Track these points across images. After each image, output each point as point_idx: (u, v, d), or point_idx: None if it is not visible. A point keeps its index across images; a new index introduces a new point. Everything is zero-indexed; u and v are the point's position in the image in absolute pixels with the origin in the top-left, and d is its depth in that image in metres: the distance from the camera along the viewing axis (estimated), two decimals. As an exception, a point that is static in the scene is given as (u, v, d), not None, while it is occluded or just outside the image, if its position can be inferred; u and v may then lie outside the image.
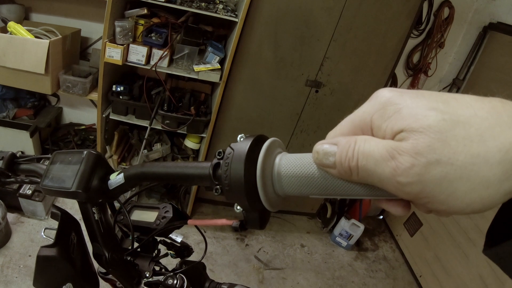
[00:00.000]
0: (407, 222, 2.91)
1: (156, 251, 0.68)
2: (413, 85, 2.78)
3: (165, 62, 2.02)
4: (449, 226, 2.46)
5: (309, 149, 0.32)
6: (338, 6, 1.93)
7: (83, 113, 2.73)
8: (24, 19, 2.23)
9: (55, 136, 2.61)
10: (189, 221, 0.57)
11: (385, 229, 3.18)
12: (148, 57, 1.99)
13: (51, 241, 0.57)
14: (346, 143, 0.29)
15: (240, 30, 1.87)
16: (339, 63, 2.11)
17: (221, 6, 1.92)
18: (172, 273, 0.62)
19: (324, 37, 2.02)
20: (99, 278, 0.68)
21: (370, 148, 0.28)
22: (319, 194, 0.34)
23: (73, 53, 2.27)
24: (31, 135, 2.29)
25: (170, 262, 0.67)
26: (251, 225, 0.43)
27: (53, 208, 0.61)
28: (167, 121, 2.14)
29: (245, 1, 1.78)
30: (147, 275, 0.62)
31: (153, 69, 1.98)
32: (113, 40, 1.90)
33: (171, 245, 0.69)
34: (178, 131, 2.18)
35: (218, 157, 0.42)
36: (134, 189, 0.63)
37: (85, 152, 0.57)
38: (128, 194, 1.78)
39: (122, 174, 0.55)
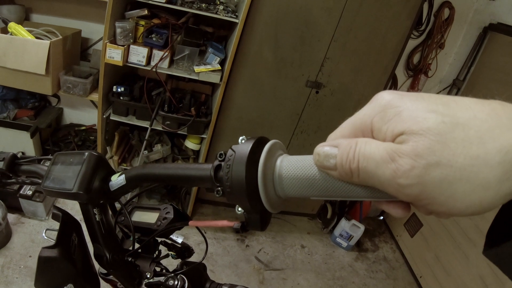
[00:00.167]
0: (407, 223, 2.91)
1: (157, 252, 0.68)
2: (413, 86, 2.78)
3: (166, 63, 2.02)
4: (449, 226, 2.46)
5: (309, 150, 0.32)
6: (339, 6, 1.93)
7: (83, 113, 2.73)
8: (24, 20, 2.23)
9: (55, 137, 2.61)
10: (190, 223, 0.57)
11: (386, 230, 3.18)
12: (149, 58, 1.99)
13: (52, 242, 0.57)
14: (347, 145, 0.30)
15: (240, 31, 1.87)
16: (339, 64, 2.12)
17: (221, 7, 1.92)
18: (173, 274, 0.62)
19: (324, 38, 2.02)
20: (100, 279, 0.68)
21: (370, 150, 0.28)
22: (320, 195, 0.34)
23: (73, 53, 2.27)
24: (32, 136, 2.29)
25: (171, 263, 0.67)
26: (252, 227, 0.43)
27: (54, 209, 0.61)
28: (168, 122, 2.14)
29: (246, 2, 1.78)
30: (148, 276, 0.62)
31: (154, 70, 1.98)
32: (113, 41, 1.90)
33: (172, 246, 0.69)
34: (179, 132, 2.18)
35: (219, 158, 0.42)
36: (134, 190, 0.63)
37: (87, 153, 0.57)
38: (128, 195, 1.78)
39: (123, 176, 0.55)
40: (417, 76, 2.73)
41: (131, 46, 1.93)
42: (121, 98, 2.11)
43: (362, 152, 0.28)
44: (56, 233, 0.58)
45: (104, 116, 2.15)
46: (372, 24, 2.01)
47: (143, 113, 2.17)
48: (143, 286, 0.63)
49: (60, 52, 2.05)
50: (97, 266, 0.64)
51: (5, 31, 1.99)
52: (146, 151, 2.30)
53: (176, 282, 0.60)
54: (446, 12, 2.50)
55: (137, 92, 2.14)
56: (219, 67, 2.02)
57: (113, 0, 1.75)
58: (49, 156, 0.63)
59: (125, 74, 2.32)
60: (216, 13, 1.87)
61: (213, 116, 2.16)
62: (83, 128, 2.70)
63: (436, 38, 2.56)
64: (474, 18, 2.57)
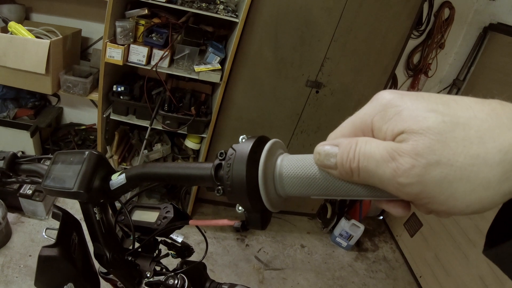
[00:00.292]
0: (407, 222, 2.91)
1: (157, 251, 0.68)
2: (413, 86, 2.78)
3: (166, 62, 2.02)
4: (449, 226, 2.46)
5: (309, 150, 0.32)
6: (339, 6, 1.93)
7: (83, 113, 2.73)
8: (24, 19, 2.23)
9: (55, 136, 2.61)
10: (191, 222, 0.57)
11: (385, 229, 3.18)
12: (149, 57, 1.99)
13: (52, 241, 0.57)
14: (347, 144, 0.30)
15: (240, 30, 1.87)
16: (339, 64, 2.12)
17: (221, 7, 1.92)
18: (173, 273, 0.62)
19: (324, 38, 2.02)
20: (100, 278, 0.68)
21: (371, 150, 0.28)
22: (320, 194, 0.34)
23: (73, 53, 2.27)
24: (32, 135, 2.29)
25: (171, 262, 0.67)
26: (252, 226, 0.43)
27: (54, 208, 0.61)
28: (168, 121, 2.14)
29: (246, 2, 1.78)
30: (148, 275, 0.62)
31: (154, 69, 1.98)
32: (113, 40, 1.90)
33: (172, 245, 0.69)
34: (179, 131, 2.19)
35: (220, 158, 0.42)
36: (134, 189, 0.63)
37: (87, 152, 0.57)
38: (128, 195, 1.79)
39: (123, 175, 0.55)
40: (417, 76, 2.73)
41: (131, 45, 1.93)
42: (121, 97, 2.11)
43: (362, 151, 0.28)
44: (56, 232, 0.58)
45: (104, 116, 2.15)
46: (372, 24, 2.01)
47: (143, 112, 2.17)
48: (143, 285, 0.63)
49: (60, 52, 2.05)
50: (97, 265, 0.64)
51: (5, 30, 1.99)
52: (146, 151, 2.30)
53: (176, 281, 0.60)
54: (446, 12, 2.50)
55: (137, 91, 2.15)
56: (219, 66, 2.02)
57: (113, -1, 1.75)
58: (49, 155, 0.63)
59: (125, 73, 2.32)
60: (216, 13, 1.87)
61: (213, 116, 2.16)
62: (83, 127, 2.70)
63: (436, 38, 2.56)
64: (474, 18, 2.57)
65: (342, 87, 2.21)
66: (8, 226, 2.08)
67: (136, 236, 0.65)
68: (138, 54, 1.95)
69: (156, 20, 2.03)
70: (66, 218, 0.60)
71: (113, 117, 2.17)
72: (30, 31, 1.97)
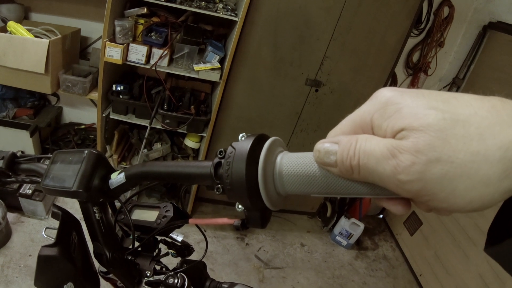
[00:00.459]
0: (407, 221, 2.91)
1: (156, 250, 0.68)
2: (413, 84, 2.78)
3: (165, 61, 2.02)
4: (449, 225, 2.46)
5: (309, 148, 0.32)
6: (338, 5, 1.93)
7: (83, 112, 2.73)
8: (23, 19, 2.23)
9: (55, 136, 2.61)
10: (190, 220, 0.57)
11: (385, 228, 3.18)
12: (148, 56, 1.99)
13: (52, 241, 0.57)
14: (348, 141, 0.30)
15: (240, 29, 1.87)
16: (338, 63, 2.11)
17: (221, 6, 1.92)
18: (173, 272, 0.62)
19: (323, 37, 2.02)
20: (100, 278, 0.68)
21: (371, 147, 0.28)
22: (320, 192, 0.34)
23: (73, 52, 2.27)
24: (31, 135, 2.29)
25: (171, 261, 0.67)
26: (252, 224, 0.43)
27: (54, 207, 0.61)
28: (167, 121, 2.14)
29: (245, 1, 1.78)
30: (148, 274, 0.62)
31: (153, 68, 1.98)
32: (113, 39, 1.90)
33: (171, 244, 0.69)
34: (178, 130, 2.18)
35: (219, 156, 0.42)
36: (134, 188, 0.63)
37: (86, 151, 0.57)
38: (128, 194, 1.78)
39: (123, 174, 0.55)
40: (416, 75, 2.73)
41: (131, 44, 1.92)
42: (121, 96, 2.11)
43: (362, 149, 0.28)
44: (56, 231, 0.58)
45: (104, 115, 2.15)
46: (371, 23, 2.01)
47: (142, 111, 2.17)
48: (143, 284, 0.62)
49: (60, 51, 2.05)
50: (97, 264, 0.64)
51: (4, 30, 1.99)
52: (145, 150, 2.30)
53: (176, 281, 0.60)
54: (446, 10, 2.50)
55: (137, 90, 2.14)
56: (218, 65, 2.02)
57: (112, -2, 1.75)
58: (49, 155, 0.63)
59: (124, 72, 2.31)
60: (215, 12, 1.87)
61: (212, 115, 2.16)
62: (83, 127, 2.70)
63: (436, 36, 2.56)
64: (474, 17, 2.57)
65: (342, 86, 2.21)
66: (8, 226, 2.08)
67: (136, 235, 0.65)
68: (138, 53, 1.94)
69: (155, 19, 2.03)
70: (65, 218, 0.60)
71: (113, 116, 2.16)
72: (29, 30, 1.97)
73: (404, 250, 2.90)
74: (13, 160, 0.69)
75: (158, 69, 2.00)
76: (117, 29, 1.85)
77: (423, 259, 2.63)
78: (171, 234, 0.68)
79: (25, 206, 2.20)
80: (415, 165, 0.25)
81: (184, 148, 2.47)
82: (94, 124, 2.71)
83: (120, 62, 1.91)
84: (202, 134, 2.25)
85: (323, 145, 0.32)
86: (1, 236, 2.00)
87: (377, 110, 0.29)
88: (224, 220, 0.48)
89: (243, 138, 0.40)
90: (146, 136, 2.21)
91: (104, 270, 0.66)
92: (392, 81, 2.70)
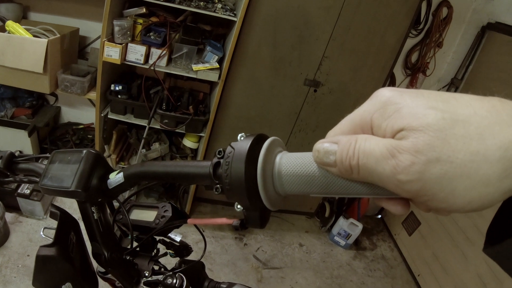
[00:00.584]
0: (405, 221, 2.91)
1: (155, 251, 0.68)
2: (411, 85, 2.79)
3: (164, 61, 2.01)
4: (447, 225, 2.46)
5: (308, 148, 0.32)
6: (337, 5, 1.93)
7: (81, 112, 2.73)
8: (22, 18, 2.22)
9: (53, 136, 2.60)
10: (189, 220, 0.57)
11: (384, 228, 3.19)
12: (147, 56, 1.99)
13: (50, 241, 0.57)
14: (347, 141, 0.30)
15: (238, 29, 1.87)
16: (337, 63, 2.12)
17: (219, 5, 1.92)
18: (171, 273, 0.62)
19: (322, 37, 2.02)
20: (98, 278, 0.68)
21: (370, 147, 0.28)
22: (320, 192, 0.34)
23: (71, 52, 2.27)
24: (29, 135, 2.28)
25: (169, 262, 0.67)
26: (251, 224, 0.43)
27: (52, 207, 0.60)
28: (166, 121, 2.14)
29: (244, 0, 1.78)
30: (147, 274, 0.62)
31: (152, 68, 1.98)
32: (111, 39, 1.90)
33: (170, 245, 0.69)
34: (177, 130, 2.18)
35: (218, 156, 0.42)
36: (132, 188, 0.63)
37: (85, 151, 0.57)
38: (126, 194, 1.78)
39: (121, 173, 0.55)
40: (415, 75, 2.73)
41: (129, 44, 1.92)
42: (119, 96, 2.11)
43: (362, 149, 0.28)
44: (54, 231, 0.58)
45: (102, 115, 2.15)
46: (370, 23, 2.01)
47: (141, 111, 2.16)
48: (142, 284, 0.62)
49: (58, 51, 2.04)
50: (95, 264, 0.64)
51: (2, 29, 1.98)
52: (144, 150, 2.29)
53: (174, 281, 0.60)
54: (445, 11, 2.50)
55: (135, 90, 2.14)
56: (217, 65, 2.02)
57: (111, -2, 1.74)
58: (47, 155, 0.63)
59: (123, 72, 2.31)
60: (214, 12, 1.87)
61: (211, 115, 2.15)
62: (81, 126, 2.69)
63: (435, 37, 2.57)
64: (473, 17, 2.57)
65: (341, 86, 2.21)
66: (6, 226, 2.07)
67: (134, 235, 0.65)
68: (136, 53, 1.94)
69: (154, 19, 2.02)
70: (64, 218, 0.60)
71: (111, 116, 2.16)
72: (27, 30, 1.96)
73: (402, 250, 2.90)
74: (11, 160, 0.69)
75: (156, 69, 2.00)
76: (116, 28, 1.85)
77: (421, 259, 2.64)
78: (169, 234, 0.68)
79: (23, 206, 2.19)
80: (414, 165, 0.25)
81: (182, 148, 2.47)
82: (92, 124, 2.70)
83: (118, 62, 1.90)
84: (201, 134, 2.25)
85: (322, 145, 0.32)
86: (-1, 236, 2.00)
87: (377, 110, 0.29)
88: (223, 220, 0.48)
89: (242, 138, 0.40)
90: (144, 136, 2.21)
91: (103, 270, 0.66)
92: (391, 81, 2.71)
